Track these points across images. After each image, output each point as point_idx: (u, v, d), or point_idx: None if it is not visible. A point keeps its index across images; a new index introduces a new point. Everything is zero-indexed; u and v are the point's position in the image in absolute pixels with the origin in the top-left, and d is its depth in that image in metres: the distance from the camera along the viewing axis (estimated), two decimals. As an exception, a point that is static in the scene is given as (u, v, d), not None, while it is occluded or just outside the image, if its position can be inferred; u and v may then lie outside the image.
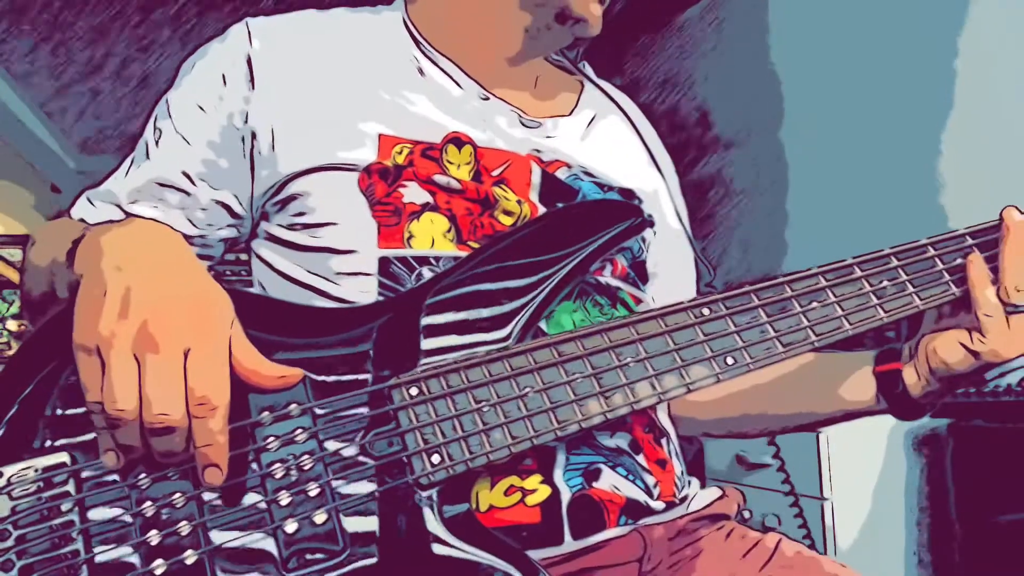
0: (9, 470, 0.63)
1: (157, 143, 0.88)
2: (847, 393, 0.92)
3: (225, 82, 0.86)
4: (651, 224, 0.88)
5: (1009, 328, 0.80)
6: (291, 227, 0.85)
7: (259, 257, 0.90)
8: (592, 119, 1.00)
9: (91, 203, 0.90)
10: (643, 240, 0.96)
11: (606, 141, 0.99)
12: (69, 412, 0.65)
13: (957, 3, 2.20)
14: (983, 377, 0.84)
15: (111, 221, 0.74)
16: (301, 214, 0.84)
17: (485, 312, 0.75)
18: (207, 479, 0.62)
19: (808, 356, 0.95)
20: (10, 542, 0.61)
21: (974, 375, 0.84)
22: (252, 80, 0.85)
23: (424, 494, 0.69)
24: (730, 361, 0.75)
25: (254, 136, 0.85)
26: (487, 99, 0.92)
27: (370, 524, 0.67)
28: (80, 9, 3.43)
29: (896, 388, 0.87)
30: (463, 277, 0.76)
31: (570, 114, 0.98)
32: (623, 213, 0.82)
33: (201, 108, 0.86)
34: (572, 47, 1.05)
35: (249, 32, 0.88)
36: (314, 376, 0.69)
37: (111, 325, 0.60)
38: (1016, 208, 0.83)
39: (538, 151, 0.91)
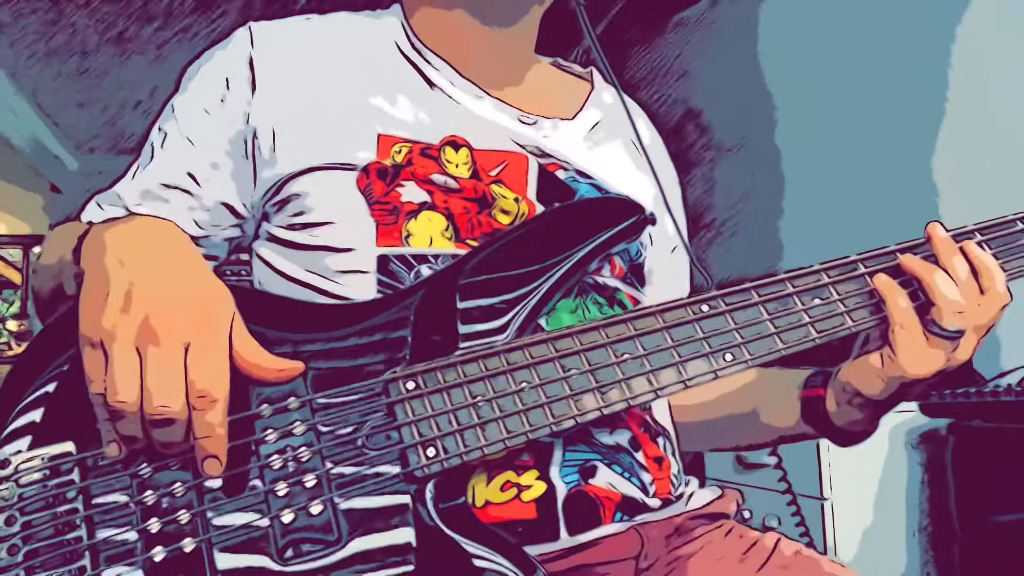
0: (17, 458, 0.65)
1: (162, 145, 0.89)
2: (778, 415, 0.91)
3: (228, 85, 0.87)
4: (652, 222, 0.87)
5: (927, 346, 0.77)
6: (290, 227, 0.86)
7: (260, 257, 0.91)
8: (595, 124, 0.99)
9: (100, 207, 0.91)
10: (642, 244, 0.95)
11: (607, 147, 0.99)
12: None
13: (953, 5, 2.20)
14: (927, 391, 0.80)
15: (115, 217, 0.75)
16: (300, 213, 0.85)
17: (488, 324, 0.75)
18: (206, 470, 0.64)
19: (753, 373, 0.94)
20: (16, 527, 0.63)
21: (893, 399, 0.82)
22: (254, 82, 0.87)
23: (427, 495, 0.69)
24: (728, 357, 0.75)
25: (255, 137, 0.86)
26: (482, 98, 0.92)
27: (407, 535, 0.67)
28: (80, 9, 3.44)
29: (818, 415, 0.86)
30: (470, 279, 0.76)
31: (573, 118, 0.98)
32: (624, 211, 0.82)
33: (206, 111, 0.88)
34: (566, 40, 1.04)
35: (252, 35, 0.89)
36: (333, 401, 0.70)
37: (114, 319, 0.62)
38: (940, 224, 0.80)
39: (535, 151, 0.91)
